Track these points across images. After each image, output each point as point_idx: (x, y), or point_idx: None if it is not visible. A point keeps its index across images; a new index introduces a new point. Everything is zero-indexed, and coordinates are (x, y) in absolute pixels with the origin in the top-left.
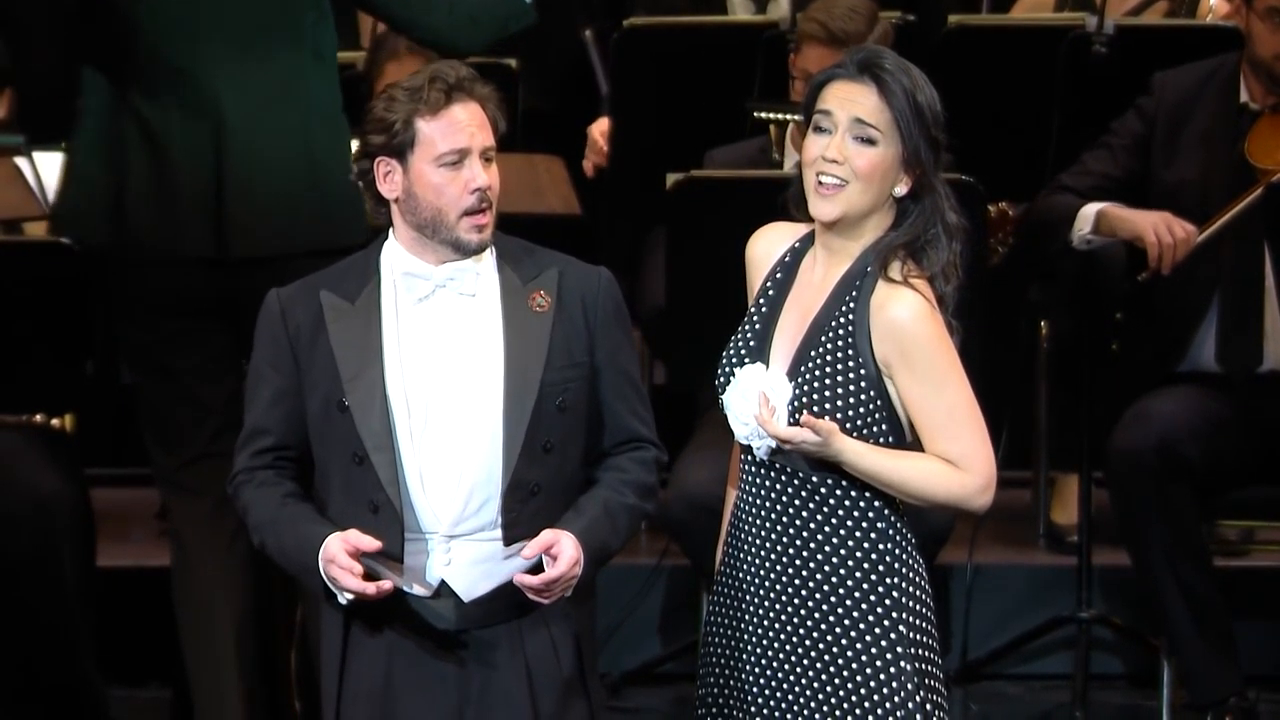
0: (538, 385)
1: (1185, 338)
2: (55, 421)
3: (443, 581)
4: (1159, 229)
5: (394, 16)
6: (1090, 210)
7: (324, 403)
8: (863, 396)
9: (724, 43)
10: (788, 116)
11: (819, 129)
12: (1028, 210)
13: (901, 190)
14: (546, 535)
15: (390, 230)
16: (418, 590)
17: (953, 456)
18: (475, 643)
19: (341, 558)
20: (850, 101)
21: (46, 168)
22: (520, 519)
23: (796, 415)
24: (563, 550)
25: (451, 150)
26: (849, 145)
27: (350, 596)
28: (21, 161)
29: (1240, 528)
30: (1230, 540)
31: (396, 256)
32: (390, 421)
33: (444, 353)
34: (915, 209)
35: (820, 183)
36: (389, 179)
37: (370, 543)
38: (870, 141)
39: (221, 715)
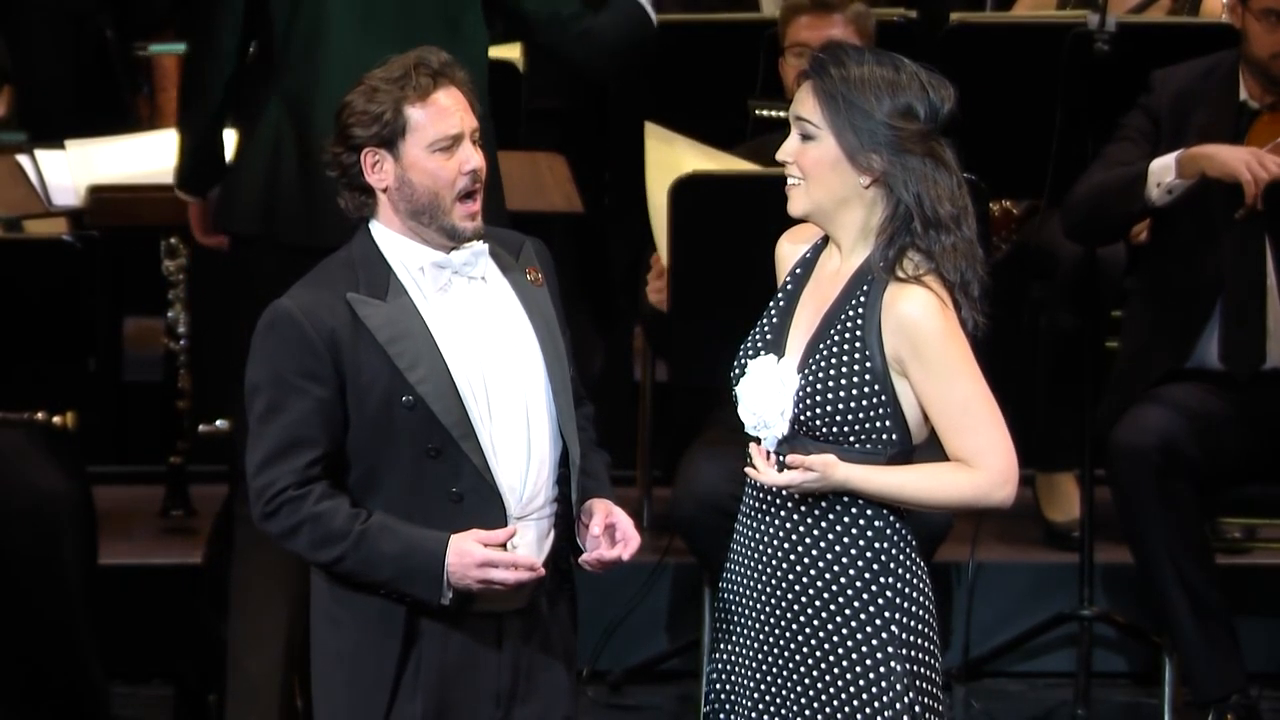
0: (565, 358)
1: (1189, 336)
2: (57, 419)
3: None
4: (1252, 166)
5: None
6: (1166, 159)
7: (382, 403)
8: (867, 390)
9: (726, 40)
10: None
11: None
12: (1072, 200)
13: (866, 181)
14: (601, 508)
15: (373, 223)
16: None
17: (969, 452)
18: (519, 620)
19: (499, 556)
20: (797, 101)
21: (48, 165)
22: (569, 493)
23: (800, 406)
24: (621, 521)
25: (445, 136)
26: (795, 143)
27: (498, 585)
28: (24, 159)
29: (1242, 525)
30: (1232, 538)
31: (401, 248)
32: (466, 409)
33: (483, 337)
34: (893, 201)
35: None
36: (378, 169)
37: (501, 536)
38: (809, 137)
39: (255, 704)
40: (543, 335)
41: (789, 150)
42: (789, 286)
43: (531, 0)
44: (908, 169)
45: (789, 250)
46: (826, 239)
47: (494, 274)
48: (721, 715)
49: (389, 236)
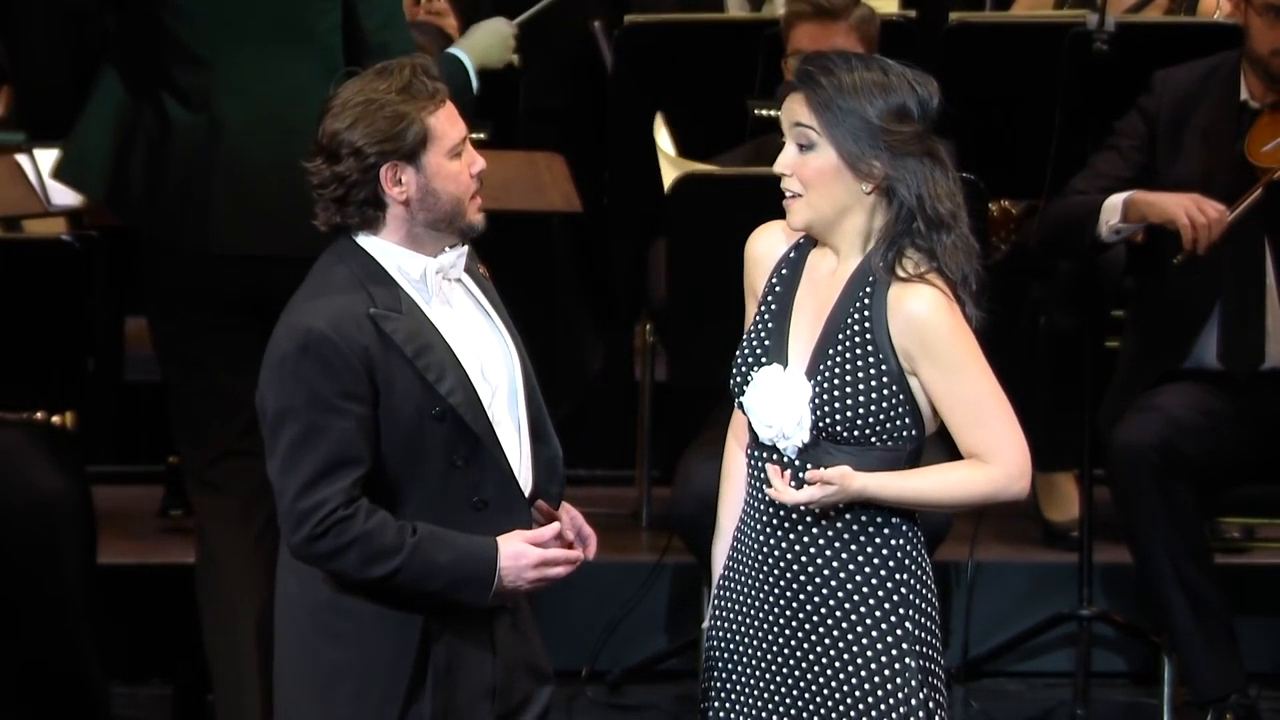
0: (526, 352)
1: (1188, 336)
2: (56, 419)
3: None
4: (1190, 211)
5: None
6: (1117, 199)
7: (414, 418)
8: (885, 392)
9: (724, 40)
10: None
11: (784, 140)
12: (1044, 215)
13: (868, 187)
14: (563, 511)
15: (362, 237)
16: None
17: (984, 447)
18: (506, 617)
19: (554, 553)
20: (790, 110)
21: (48, 165)
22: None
23: (820, 413)
24: (579, 519)
25: (460, 139)
26: (793, 154)
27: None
28: (23, 158)
29: (1241, 525)
30: (1232, 538)
31: (398, 258)
32: (488, 416)
33: (479, 339)
34: (894, 204)
35: (785, 193)
36: (399, 182)
37: (550, 531)
38: (809, 147)
39: (241, 714)
40: (510, 330)
41: (787, 163)
42: (777, 290)
43: (370, 20)
44: (909, 171)
45: (763, 250)
46: (808, 239)
47: (463, 275)
48: (723, 715)
49: (385, 248)
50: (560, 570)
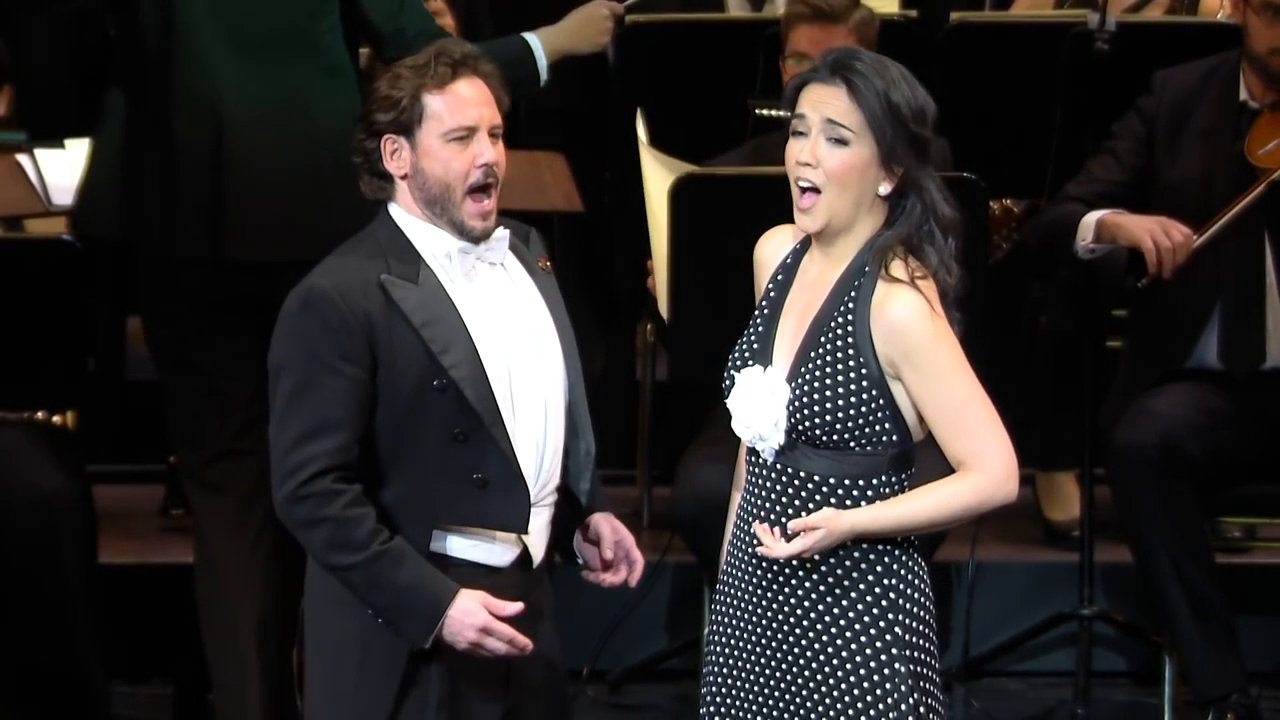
0: (576, 346)
1: (1188, 335)
2: (57, 418)
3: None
4: (1155, 234)
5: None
6: (1090, 219)
7: (416, 387)
8: (864, 396)
9: (726, 40)
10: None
11: (796, 133)
12: (1037, 221)
13: (886, 189)
14: (609, 528)
15: (393, 207)
16: (504, 562)
17: (968, 454)
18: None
19: (500, 627)
20: (822, 103)
21: (48, 164)
22: (566, 483)
23: (797, 416)
24: (628, 541)
25: (460, 126)
26: (822, 147)
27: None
28: (23, 158)
29: (1242, 525)
30: (1232, 537)
31: (424, 233)
32: (495, 395)
33: (507, 324)
34: (905, 206)
35: (799, 188)
36: (396, 156)
37: (512, 609)
38: (842, 142)
39: (242, 714)
40: (560, 323)
41: (816, 154)
42: (772, 294)
43: (377, 12)
44: (926, 174)
45: (769, 254)
46: (805, 242)
47: (511, 260)
48: (721, 713)
49: (412, 222)
50: (500, 647)
